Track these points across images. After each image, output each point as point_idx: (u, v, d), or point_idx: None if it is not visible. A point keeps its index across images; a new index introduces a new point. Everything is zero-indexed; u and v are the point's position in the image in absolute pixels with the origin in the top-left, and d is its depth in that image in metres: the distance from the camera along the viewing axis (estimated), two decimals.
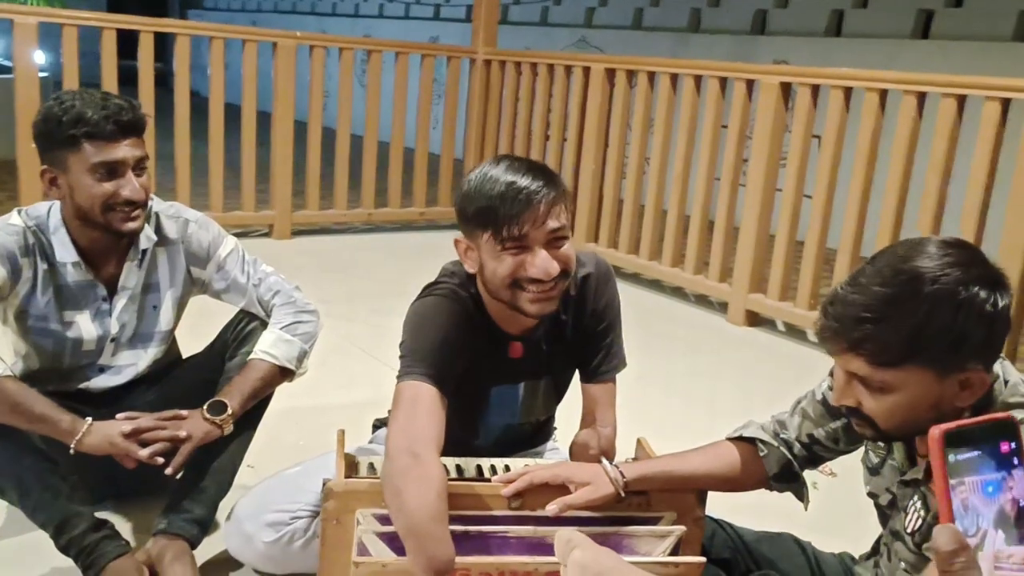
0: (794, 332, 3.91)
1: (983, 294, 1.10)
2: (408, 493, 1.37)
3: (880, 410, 1.18)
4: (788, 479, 1.51)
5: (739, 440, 1.54)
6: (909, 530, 1.26)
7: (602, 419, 1.74)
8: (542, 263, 1.48)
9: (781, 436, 1.50)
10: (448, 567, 1.34)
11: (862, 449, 1.44)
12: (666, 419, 2.83)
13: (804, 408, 1.49)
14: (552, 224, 1.49)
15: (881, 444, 1.36)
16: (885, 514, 1.36)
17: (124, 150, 1.75)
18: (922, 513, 1.24)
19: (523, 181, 1.47)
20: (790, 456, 1.49)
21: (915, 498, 1.26)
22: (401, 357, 1.56)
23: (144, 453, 1.67)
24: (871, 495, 1.39)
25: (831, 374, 1.44)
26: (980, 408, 1.18)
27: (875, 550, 1.44)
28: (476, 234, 1.53)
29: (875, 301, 1.13)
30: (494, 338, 1.66)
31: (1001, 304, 1.11)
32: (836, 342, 1.17)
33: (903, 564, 1.28)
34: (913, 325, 1.11)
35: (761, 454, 1.50)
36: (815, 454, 1.49)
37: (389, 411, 1.53)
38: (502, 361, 1.68)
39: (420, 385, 1.49)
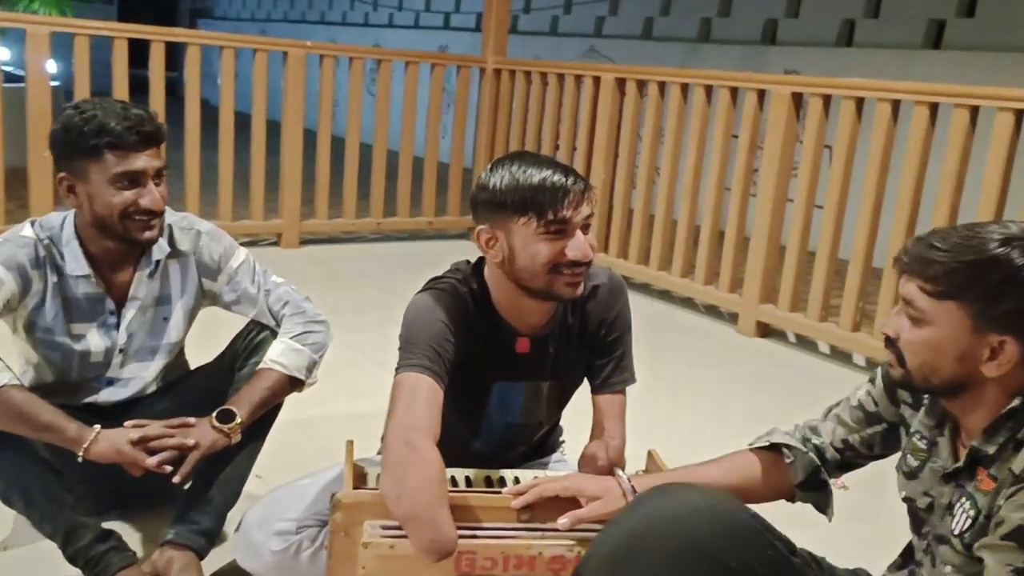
0: (805, 343, 3.89)
1: None
2: (407, 480, 1.40)
3: (911, 342, 1.23)
4: (814, 487, 1.49)
5: (761, 449, 1.53)
6: (956, 532, 1.24)
7: (611, 431, 1.74)
8: (581, 246, 1.55)
9: (812, 442, 1.49)
10: (451, 549, 1.37)
11: (893, 457, 1.43)
12: (675, 430, 2.82)
13: (838, 414, 1.49)
14: (586, 210, 1.56)
15: (923, 447, 1.34)
16: (920, 519, 1.35)
17: (145, 160, 1.75)
18: (971, 514, 1.23)
19: (558, 173, 1.54)
20: (819, 462, 1.47)
21: (962, 499, 1.25)
22: (399, 350, 1.58)
23: (152, 461, 1.67)
24: (907, 499, 1.38)
25: (871, 380, 1.46)
26: None
27: (907, 559, 1.42)
28: (510, 221, 1.55)
29: (951, 238, 1.20)
30: (499, 333, 1.68)
31: None
32: (902, 263, 1.24)
33: (948, 568, 1.26)
34: (968, 266, 1.17)
35: (787, 460, 1.49)
36: (848, 460, 1.49)
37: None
38: (507, 357, 1.69)
39: (417, 377, 1.52)
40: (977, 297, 1.16)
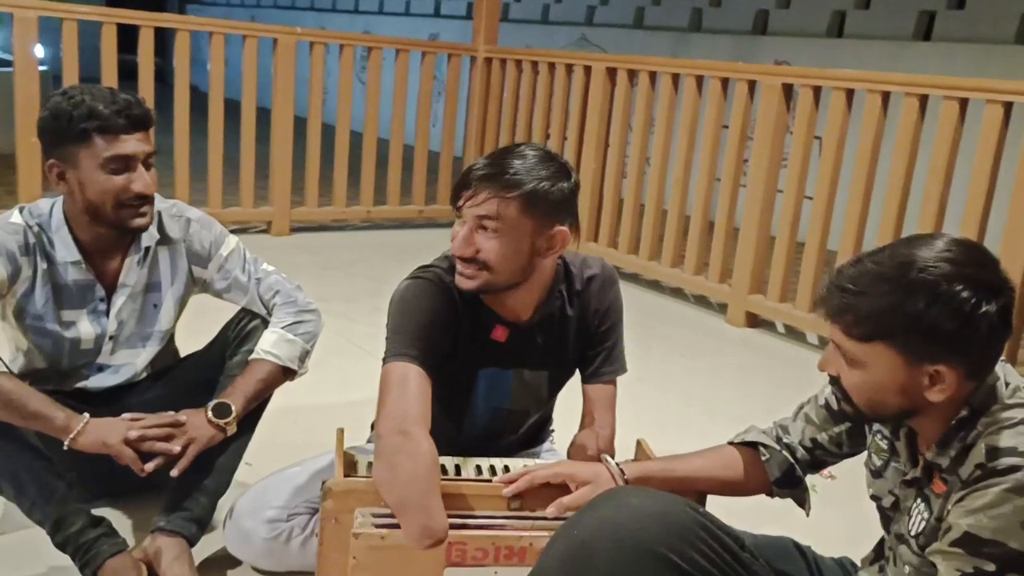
0: (794, 334, 3.91)
1: (966, 294, 1.12)
2: (400, 467, 1.41)
3: (851, 384, 1.23)
4: (790, 484, 1.51)
5: (741, 445, 1.55)
6: (913, 533, 1.26)
7: (601, 421, 1.75)
8: (456, 238, 1.57)
9: (784, 441, 1.51)
10: (442, 535, 1.38)
11: (865, 452, 1.44)
12: (664, 420, 2.83)
13: (807, 413, 1.50)
14: (479, 211, 1.55)
15: (884, 447, 1.36)
16: (888, 517, 1.36)
17: (134, 144, 1.75)
18: (925, 516, 1.24)
19: (479, 162, 1.57)
20: (792, 460, 1.49)
21: (918, 500, 1.26)
22: (387, 339, 1.59)
23: (149, 466, 1.68)
24: (874, 498, 1.40)
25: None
26: (979, 409, 1.19)
27: (878, 554, 1.44)
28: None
29: (862, 276, 1.18)
30: (480, 320, 1.68)
31: (984, 308, 1.12)
32: (823, 308, 1.23)
33: (907, 568, 1.28)
34: (887, 304, 1.14)
35: (763, 458, 1.51)
36: (818, 458, 1.49)
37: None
38: (487, 343, 1.69)
39: (407, 366, 1.53)
40: (902, 333, 1.15)
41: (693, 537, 1.21)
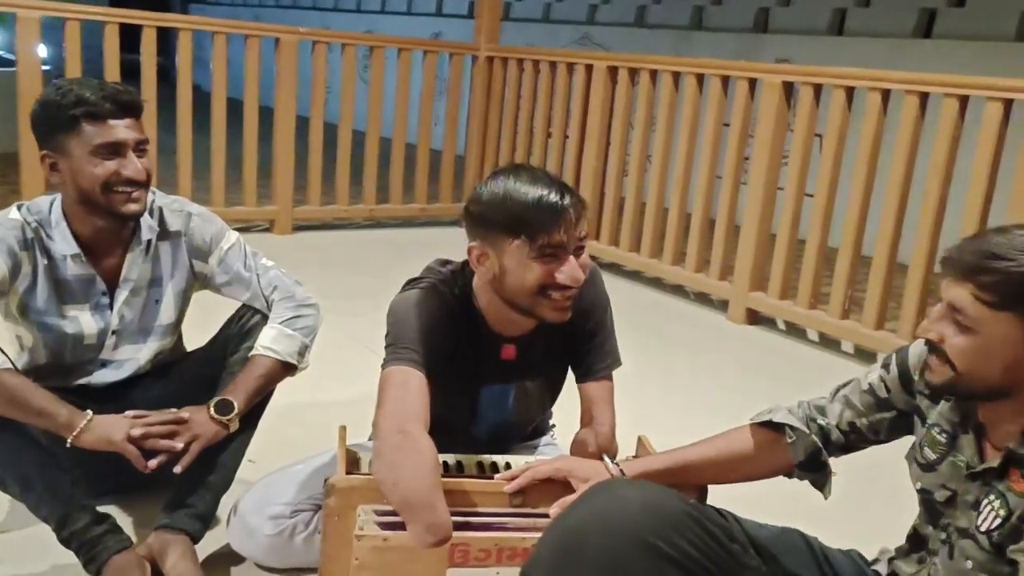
0: (794, 331, 3.92)
1: None
2: (403, 467, 1.42)
3: (960, 348, 1.20)
4: (813, 468, 1.49)
5: (761, 427, 1.53)
6: (983, 529, 1.23)
7: (599, 418, 1.75)
8: (571, 271, 1.53)
9: (818, 422, 1.48)
10: (445, 533, 1.39)
11: (900, 443, 1.43)
12: (665, 417, 2.84)
13: (847, 396, 1.47)
14: (580, 233, 1.53)
15: (943, 440, 1.33)
16: (938, 511, 1.34)
17: (124, 131, 1.76)
18: (1001, 513, 1.22)
19: (554, 192, 1.50)
20: (821, 444, 1.47)
21: (991, 496, 1.24)
22: (386, 347, 1.60)
23: (152, 464, 1.69)
24: (923, 491, 1.36)
25: (884, 366, 1.44)
26: None
27: (914, 545, 1.41)
28: (501, 241, 1.53)
29: (1010, 244, 1.16)
30: (485, 339, 1.68)
31: None
32: (954, 267, 1.20)
33: (970, 563, 1.26)
34: None
35: (789, 440, 1.48)
36: (852, 443, 1.47)
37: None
38: (493, 363, 1.70)
39: (406, 370, 1.54)
40: None
41: (683, 527, 1.22)
